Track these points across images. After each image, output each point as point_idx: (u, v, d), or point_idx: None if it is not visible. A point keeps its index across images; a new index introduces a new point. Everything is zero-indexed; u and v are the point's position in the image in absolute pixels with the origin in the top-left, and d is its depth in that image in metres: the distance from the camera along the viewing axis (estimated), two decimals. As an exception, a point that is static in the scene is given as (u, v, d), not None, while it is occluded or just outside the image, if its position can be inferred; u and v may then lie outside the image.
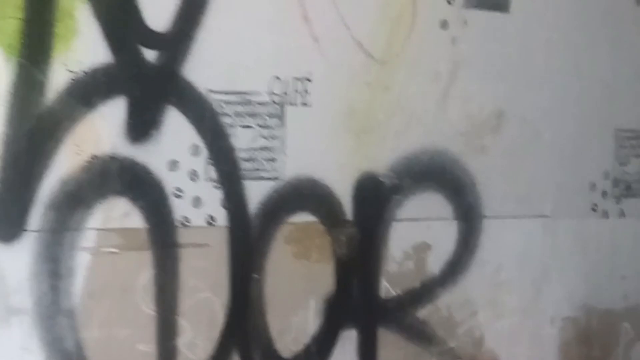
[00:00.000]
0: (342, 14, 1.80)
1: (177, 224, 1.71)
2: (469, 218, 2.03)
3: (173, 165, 1.69)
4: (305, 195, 1.84)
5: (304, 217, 1.85)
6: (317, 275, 1.88)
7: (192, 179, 1.72)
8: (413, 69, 1.90)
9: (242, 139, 1.76)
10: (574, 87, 2.10)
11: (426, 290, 2.01)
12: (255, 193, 1.79)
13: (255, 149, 1.77)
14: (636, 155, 2.22)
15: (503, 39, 2.00)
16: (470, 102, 1.98)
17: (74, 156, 1.59)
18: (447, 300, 2.03)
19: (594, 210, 2.19)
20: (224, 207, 1.76)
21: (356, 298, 1.93)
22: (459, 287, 2.04)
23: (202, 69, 1.69)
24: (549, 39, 2.06)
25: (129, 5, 1.61)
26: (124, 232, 1.66)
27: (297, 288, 1.86)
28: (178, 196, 1.71)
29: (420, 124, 1.94)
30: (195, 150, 1.71)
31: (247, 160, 1.77)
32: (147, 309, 1.69)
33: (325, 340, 1.90)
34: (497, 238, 2.07)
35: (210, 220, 1.74)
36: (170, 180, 1.70)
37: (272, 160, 1.79)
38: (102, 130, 1.62)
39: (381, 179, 1.91)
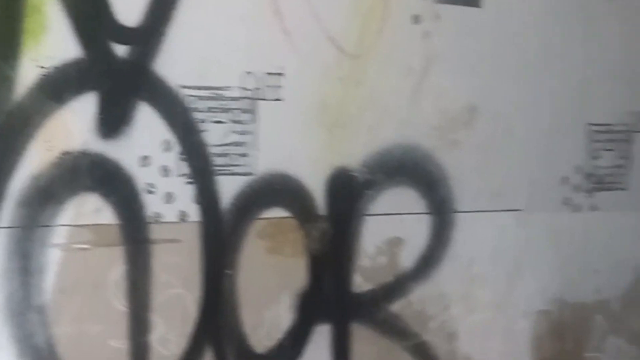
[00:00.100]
0: (314, 9, 1.80)
1: (149, 219, 1.71)
2: (441, 212, 2.04)
3: (145, 160, 1.69)
4: (278, 190, 1.84)
5: (276, 212, 1.85)
6: (290, 270, 1.88)
7: (164, 175, 1.71)
8: (386, 63, 1.90)
9: (214, 135, 1.75)
10: (547, 82, 2.11)
11: (399, 285, 2.01)
12: (228, 188, 1.78)
13: (227, 144, 1.77)
14: (608, 149, 2.23)
15: (476, 34, 2.00)
16: (443, 96, 1.98)
17: (44, 152, 1.58)
18: (420, 295, 2.03)
19: (566, 204, 2.20)
20: (196, 202, 1.75)
21: (329, 293, 1.93)
22: (432, 281, 2.04)
23: (174, 64, 1.69)
24: (521, 34, 2.06)
25: (99, 0, 1.60)
26: (95, 228, 1.65)
27: (270, 283, 1.86)
28: (150, 192, 1.70)
29: (393, 119, 1.94)
30: (167, 146, 1.71)
31: (219, 155, 1.76)
32: (119, 305, 1.69)
33: (298, 335, 1.91)
34: (470, 232, 2.07)
35: (183, 216, 1.74)
36: (141, 176, 1.69)
37: (245, 155, 1.79)
38: (73, 126, 1.61)
39: (354, 173, 1.92)
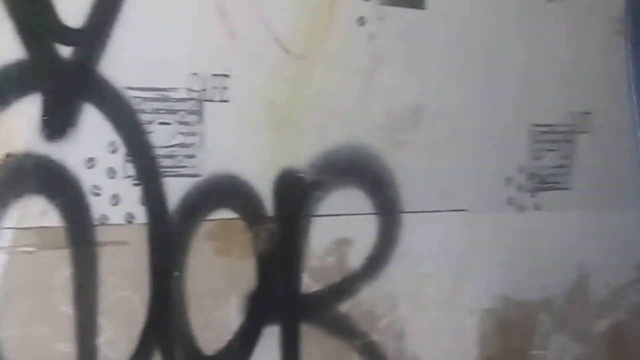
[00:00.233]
0: (260, 10, 1.80)
1: (95, 222, 1.70)
2: (389, 213, 2.05)
3: (90, 162, 1.68)
4: (226, 191, 1.84)
5: (224, 214, 1.85)
6: (239, 272, 1.88)
7: (110, 177, 1.70)
8: (332, 64, 1.91)
9: (160, 136, 1.75)
10: (491, 83, 2.14)
11: (348, 285, 2.02)
12: (175, 190, 1.78)
13: (174, 146, 1.76)
14: (551, 149, 2.26)
15: (421, 35, 2.02)
16: (389, 97, 2.00)
17: (-13, 154, 1.57)
18: (368, 295, 2.05)
19: (511, 204, 2.23)
20: (143, 204, 1.75)
21: (278, 294, 1.94)
22: (380, 281, 2.06)
23: (119, 65, 1.68)
24: (465, 35, 2.09)
25: (42, 1, 1.59)
26: (40, 230, 1.64)
27: (219, 284, 1.86)
28: (96, 194, 1.69)
29: (340, 120, 1.95)
30: (112, 148, 1.70)
31: (166, 157, 1.76)
32: (66, 308, 1.67)
33: (247, 336, 1.91)
34: (417, 232, 2.09)
35: (129, 218, 1.73)
36: (87, 178, 1.68)
37: (192, 156, 1.79)
38: (17, 127, 1.59)
39: (301, 174, 1.92)
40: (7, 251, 1.60)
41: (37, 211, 1.63)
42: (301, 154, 1.92)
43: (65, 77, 1.63)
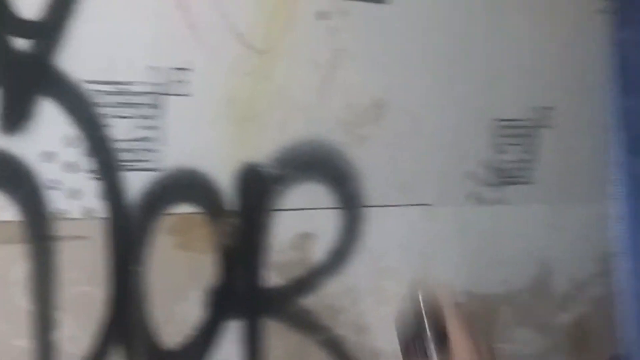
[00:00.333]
0: (220, 4, 1.80)
1: (54, 216, 1.69)
2: (351, 207, 2.06)
3: (49, 156, 1.67)
4: (187, 185, 1.84)
5: (186, 208, 1.85)
6: (201, 266, 1.88)
7: (69, 171, 1.69)
8: (293, 58, 1.91)
9: (120, 130, 1.74)
10: (454, 77, 2.14)
11: (310, 279, 2.03)
12: (136, 184, 1.77)
13: (134, 140, 1.76)
14: (513, 144, 2.27)
15: (383, 30, 2.03)
16: (351, 92, 2.00)
17: (-57, 148, 1.55)
18: (331, 289, 2.05)
19: (473, 198, 2.24)
20: (103, 198, 1.74)
21: (240, 288, 1.94)
22: (342, 275, 2.06)
23: (77, 58, 1.67)
24: (427, 30, 2.09)
25: (-2, -7, 1.58)
26: (-2, 225, 1.63)
27: (181, 279, 1.86)
28: (54, 188, 1.68)
29: (302, 114, 1.95)
30: (71, 141, 1.69)
31: (126, 151, 1.75)
32: (24, 303, 1.66)
33: (209, 330, 1.90)
34: (380, 226, 2.10)
35: (89, 212, 1.72)
36: (46, 172, 1.67)
37: (152, 150, 1.78)
38: (-27, 121, 1.58)
39: (264, 169, 1.92)
40: (-36, 246, 1.59)
41: (-6, 206, 1.62)
42: (263, 149, 1.92)
43: (22, 71, 1.62)
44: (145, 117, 1.76)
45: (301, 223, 2.00)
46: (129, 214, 1.77)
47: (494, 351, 1.66)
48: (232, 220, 1.90)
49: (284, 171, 1.95)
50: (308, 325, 2.03)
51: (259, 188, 1.93)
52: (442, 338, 1.67)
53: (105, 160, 1.73)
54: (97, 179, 1.72)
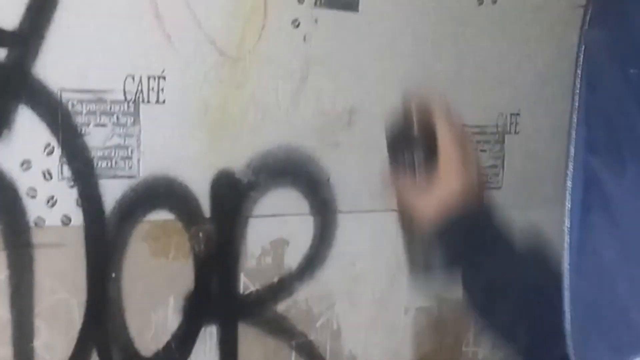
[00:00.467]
0: (194, 12, 1.81)
1: (31, 224, 1.69)
2: (324, 213, 2.08)
3: (26, 164, 1.67)
4: (162, 193, 1.85)
5: (161, 215, 1.86)
6: (176, 273, 1.89)
7: (46, 179, 1.70)
8: (266, 66, 1.93)
9: (96, 138, 1.75)
10: (421, 83, 2.17)
11: (285, 285, 2.05)
12: (111, 192, 1.78)
13: (110, 148, 1.77)
14: (481, 150, 2.30)
15: (353, 37, 2.05)
16: (322, 98, 2.02)
17: None
18: (305, 294, 2.07)
19: (443, 203, 2.27)
20: (79, 206, 1.75)
21: (215, 294, 1.95)
22: (316, 280, 2.08)
23: (54, 67, 1.68)
24: (396, 37, 2.12)
25: (-25, 2, 1.59)
26: (-25, 233, 1.63)
27: (156, 286, 1.87)
28: (32, 196, 1.69)
29: (275, 121, 1.97)
30: (48, 150, 1.70)
31: (102, 158, 1.76)
32: (1, 311, 1.67)
33: (185, 337, 1.92)
34: (352, 232, 2.12)
35: (66, 220, 1.73)
36: (23, 180, 1.68)
37: (128, 158, 1.79)
38: (-50, 130, 1.59)
39: (237, 175, 1.94)
40: (-59, 255, 1.59)
41: (-29, 214, 1.62)
42: (237, 155, 1.93)
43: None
44: (121, 125, 1.77)
45: (275, 229, 2.02)
46: (105, 222, 1.78)
47: (480, 162, 1.62)
48: (207, 227, 1.92)
49: (258, 178, 1.97)
50: (283, 330, 2.05)
51: (233, 195, 1.95)
52: (432, 150, 1.58)
53: (82, 168, 1.74)
54: (73, 186, 1.73)
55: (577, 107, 1.15)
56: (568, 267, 1.13)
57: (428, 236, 1.57)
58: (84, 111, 1.73)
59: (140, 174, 1.81)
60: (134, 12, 1.76)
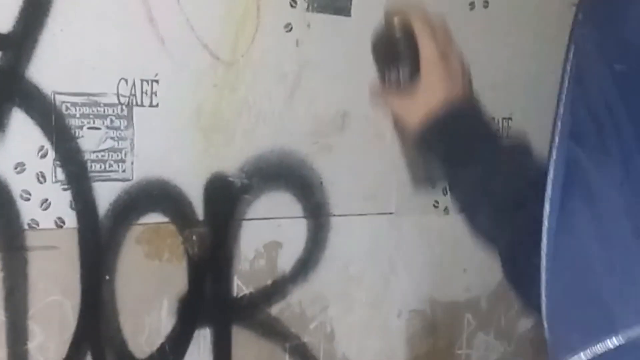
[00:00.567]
0: (187, 16, 1.82)
1: (25, 226, 1.70)
2: (317, 216, 2.09)
3: (19, 167, 1.68)
4: (156, 195, 1.86)
5: (154, 218, 1.87)
6: (170, 276, 1.90)
7: (40, 181, 1.71)
8: (259, 70, 1.94)
9: (90, 141, 1.76)
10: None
11: (278, 288, 2.05)
12: (105, 194, 1.79)
13: (103, 150, 1.78)
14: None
15: (345, 42, 2.07)
16: (315, 102, 2.04)
17: None
18: (298, 297, 2.08)
19: (435, 207, 2.28)
20: (73, 208, 1.75)
21: (209, 297, 1.96)
22: (310, 283, 2.09)
23: (48, 70, 1.69)
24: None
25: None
26: (-31, 236, 1.64)
27: (150, 288, 1.87)
28: (25, 199, 1.70)
29: (268, 125, 1.98)
30: (42, 152, 1.70)
31: (95, 161, 1.77)
32: (-4, 313, 1.67)
33: (179, 339, 1.92)
34: (345, 235, 2.13)
35: (60, 222, 1.74)
36: (17, 183, 1.68)
37: (121, 161, 1.80)
38: (-56, 132, 1.59)
39: (231, 178, 1.95)
40: None
41: (-35, 216, 1.63)
42: (230, 159, 1.95)
43: (-7, 82, 1.64)
44: (114, 128, 1.78)
45: (268, 232, 2.03)
46: (99, 224, 1.79)
47: (465, 68, 1.62)
48: (201, 230, 1.92)
49: (251, 181, 1.98)
50: (277, 333, 2.06)
51: (226, 198, 1.96)
52: (416, 63, 1.58)
53: (76, 171, 1.75)
54: (67, 189, 1.74)
55: (563, 99, 1.17)
56: (545, 249, 1.14)
57: (419, 144, 1.58)
58: (78, 114, 1.74)
59: (134, 177, 1.82)
60: (127, 16, 1.77)
